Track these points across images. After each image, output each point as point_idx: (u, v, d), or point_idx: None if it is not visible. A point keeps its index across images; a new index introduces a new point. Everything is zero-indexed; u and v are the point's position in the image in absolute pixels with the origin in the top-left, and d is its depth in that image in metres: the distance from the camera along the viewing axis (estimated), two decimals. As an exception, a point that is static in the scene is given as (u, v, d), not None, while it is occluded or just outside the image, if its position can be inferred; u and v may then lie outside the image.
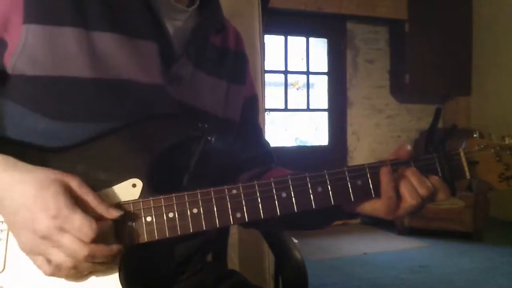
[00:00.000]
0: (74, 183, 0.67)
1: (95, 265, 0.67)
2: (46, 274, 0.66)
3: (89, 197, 0.67)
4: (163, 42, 0.82)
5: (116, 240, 0.69)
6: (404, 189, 0.75)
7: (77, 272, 0.67)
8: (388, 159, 0.78)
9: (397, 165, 0.77)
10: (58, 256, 0.65)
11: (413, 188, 0.74)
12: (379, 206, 0.77)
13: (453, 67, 5.10)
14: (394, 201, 0.75)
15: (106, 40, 0.76)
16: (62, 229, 0.63)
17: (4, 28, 0.72)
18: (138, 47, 0.79)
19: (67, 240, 0.64)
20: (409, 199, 0.74)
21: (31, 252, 0.66)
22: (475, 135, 0.81)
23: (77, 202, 0.66)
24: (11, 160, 0.68)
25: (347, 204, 0.80)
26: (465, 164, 0.79)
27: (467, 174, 0.79)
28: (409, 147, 0.79)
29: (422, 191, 0.74)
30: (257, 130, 1.05)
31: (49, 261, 0.65)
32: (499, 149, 0.80)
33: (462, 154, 0.79)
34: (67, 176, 0.67)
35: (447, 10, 5.00)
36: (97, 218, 0.66)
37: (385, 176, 0.75)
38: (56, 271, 0.66)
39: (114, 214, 0.68)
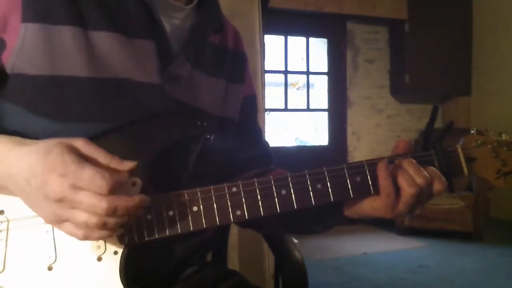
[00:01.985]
0: (80, 143, 0.64)
1: (123, 219, 0.64)
2: (79, 239, 0.64)
3: (99, 154, 0.64)
4: (160, 40, 0.82)
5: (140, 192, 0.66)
6: (401, 179, 0.74)
7: (108, 230, 0.64)
8: (386, 156, 0.78)
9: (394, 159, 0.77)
10: (81, 215, 0.61)
11: (410, 177, 0.74)
12: (378, 204, 0.77)
13: (453, 67, 5.10)
14: (393, 197, 0.75)
15: (104, 39, 0.76)
16: (74, 187, 0.61)
17: (2, 27, 0.72)
18: (135, 46, 0.79)
19: (82, 196, 0.60)
20: (407, 188, 0.74)
21: (55, 221, 0.64)
22: (472, 132, 0.81)
23: (87, 160, 0.63)
24: (17, 139, 0.67)
25: (347, 200, 0.80)
26: (462, 161, 0.79)
27: (465, 170, 0.79)
28: (406, 141, 0.79)
29: (419, 180, 0.74)
30: (257, 130, 1.05)
31: (76, 224, 0.63)
32: (496, 145, 0.80)
33: (459, 150, 0.79)
34: (71, 138, 0.64)
35: (447, 10, 5.00)
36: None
37: (381, 171, 0.75)
38: (87, 232, 0.63)
39: (129, 165, 0.65)
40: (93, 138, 0.73)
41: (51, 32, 0.73)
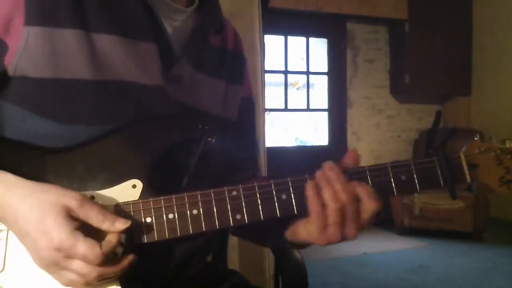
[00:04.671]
0: (74, 204, 0.65)
1: (109, 279, 0.68)
2: (63, 285, 0.67)
3: (93, 215, 0.66)
4: (162, 43, 0.82)
5: (125, 247, 0.69)
6: (326, 194, 0.72)
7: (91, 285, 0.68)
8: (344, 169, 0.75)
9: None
10: (70, 276, 0.65)
11: (334, 192, 0.72)
12: (311, 227, 0.74)
13: (453, 67, 5.10)
14: (323, 218, 0.72)
15: (106, 42, 0.76)
16: (68, 256, 0.64)
17: (5, 30, 0.72)
18: (137, 48, 0.79)
19: (75, 265, 0.64)
20: (330, 203, 0.71)
21: (45, 269, 0.67)
22: (475, 138, 0.80)
23: (81, 224, 0.65)
24: (10, 178, 0.67)
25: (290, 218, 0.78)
26: (465, 167, 0.78)
27: (468, 177, 0.78)
28: (356, 152, 0.77)
29: (343, 195, 0.71)
30: (254, 131, 1.05)
31: (63, 278, 0.66)
32: (500, 152, 0.79)
33: (462, 157, 0.78)
34: (67, 196, 0.65)
35: (447, 10, 5.00)
36: (105, 234, 0.66)
37: (309, 191, 0.72)
38: (72, 285, 0.67)
39: (120, 227, 0.67)
40: (95, 140, 0.74)
41: (54, 35, 0.73)
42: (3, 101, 0.74)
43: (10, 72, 0.73)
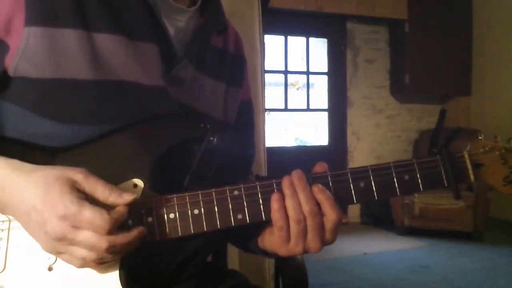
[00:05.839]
0: (80, 177, 0.65)
1: (121, 253, 0.67)
2: (77, 267, 0.66)
3: (98, 188, 0.66)
4: (164, 43, 0.82)
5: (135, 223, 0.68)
6: (289, 204, 0.71)
7: (104, 262, 0.66)
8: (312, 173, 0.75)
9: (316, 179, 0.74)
10: (80, 252, 0.64)
11: (298, 204, 0.71)
12: (274, 239, 0.75)
13: (453, 67, 5.11)
14: (286, 231, 0.72)
15: (107, 42, 0.76)
16: (75, 227, 0.63)
17: (6, 30, 0.72)
18: (139, 48, 0.79)
19: (83, 236, 0.63)
20: (292, 215, 0.71)
21: (53, 252, 0.66)
22: (480, 137, 0.79)
23: (86, 197, 0.65)
24: (15, 161, 0.68)
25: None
26: (469, 167, 0.77)
27: (472, 176, 0.77)
28: (325, 165, 0.75)
29: (306, 208, 0.71)
30: (252, 134, 1.05)
31: (74, 257, 0.65)
32: (505, 151, 0.78)
33: (466, 156, 0.77)
34: (72, 171, 0.66)
35: (447, 10, 5.00)
36: (111, 207, 0.66)
37: (274, 203, 0.72)
38: (84, 263, 0.66)
39: (127, 198, 0.66)
40: (96, 140, 0.74)
41: (55, 35, 0.73)
42: (4, 101, 0.74)
43: (11, 73, 0.73)
